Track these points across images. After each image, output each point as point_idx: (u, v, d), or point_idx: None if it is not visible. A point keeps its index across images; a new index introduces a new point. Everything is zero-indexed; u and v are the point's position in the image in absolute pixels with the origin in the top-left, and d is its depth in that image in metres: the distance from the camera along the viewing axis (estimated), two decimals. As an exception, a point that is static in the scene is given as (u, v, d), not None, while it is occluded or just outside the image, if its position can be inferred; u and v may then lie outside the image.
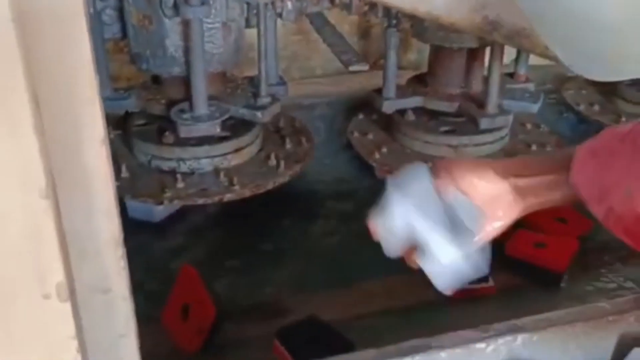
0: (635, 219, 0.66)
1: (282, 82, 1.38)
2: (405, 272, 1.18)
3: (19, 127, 0.48)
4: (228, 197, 1.24)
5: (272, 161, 1.32)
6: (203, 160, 1.27)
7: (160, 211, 1.28)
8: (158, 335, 1.03)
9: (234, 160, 1.30)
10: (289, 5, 1.29)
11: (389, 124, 1.51)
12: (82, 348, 0.57)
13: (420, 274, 1.18)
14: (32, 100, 0.49)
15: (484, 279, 1.16)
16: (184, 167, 1.27)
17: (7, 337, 0.54)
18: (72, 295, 0.55)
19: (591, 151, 0.71)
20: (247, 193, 1.25)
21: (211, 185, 1.25)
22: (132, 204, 1.25)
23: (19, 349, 0.55)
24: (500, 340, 0.82)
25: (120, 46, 1.47)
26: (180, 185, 1.23)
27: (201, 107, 1.24)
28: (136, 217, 1.26)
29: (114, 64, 1.48)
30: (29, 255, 0.52)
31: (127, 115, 1.34)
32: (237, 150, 1.30)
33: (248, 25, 1.29)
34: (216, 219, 1.31)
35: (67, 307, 0.54)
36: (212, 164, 1.28)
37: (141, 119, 1.34)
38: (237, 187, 1.24)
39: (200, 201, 1.23)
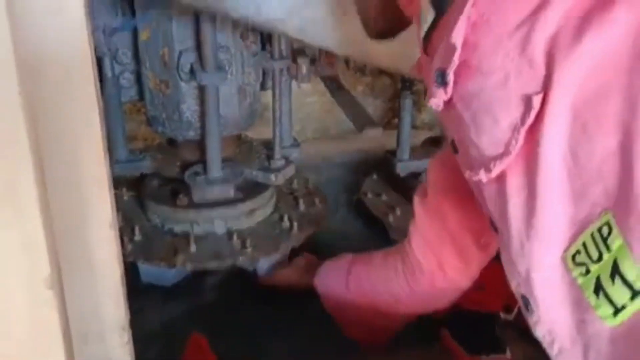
0: None
1: (296, 144, 1.39)
2: (419, 343, 1.17)
3: (25, 216, 0.48)
4: (241, 260, 1.22)
5: (286, 223, 1.32)
6: (216, 222, 1.27)
7: (172, 275, 1.27)
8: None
9: (247, 223, 1.29)
10: (304, 68, 1.30)
11: (403, 185, 1.50)
12: None
13: (433, 346, 1.16)
14: (39, 188, 0.48)
15: (499, 350, 1.13)
16: (197, 230, 1.26)
17: None
18: (75, 383, 0.54)
19: None
20: (260, 256, 1.24)
21: (224, 248, 1.24)
22: (144, 268, 1.24)
23: None
24: None
25: (138, 107, 1.49)
26: (192, 249, 1.22)
27: (215, 170, 1.24)
28: (149, 280, 1.25)
29: (131, 123, 1.50)
30: (32, 342, 0.51)
31: (142, 176, 1.34)
32: (250, 213, 1.30)
33: (263, 88, 1.30)
34: (225, 283, 1.29)
35: (69, 396, 0.53)
36: (225, 227, 1.27)
37: (155, 180, 1.34)
38: (249, 250, 1.23)
39: (213, 265, 1.22)
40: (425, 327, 1.18)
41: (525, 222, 0.60)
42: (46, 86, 0.51)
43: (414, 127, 1.49)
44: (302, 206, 1.38)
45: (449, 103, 0.64)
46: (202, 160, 1.26)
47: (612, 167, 0.53)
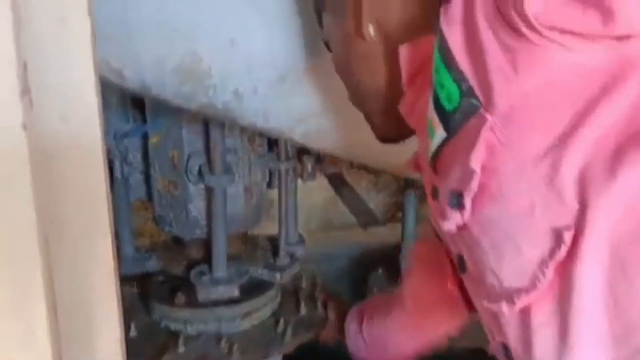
0: None
1: (301, 241, 1.39)
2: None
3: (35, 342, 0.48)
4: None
5: (281, 327, 1.28)
6: (209, 323, 1.24)
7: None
8: None
9: (242, 325, 1.26)
10: (309, 167, 1.32)
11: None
12: None
13: None
14: (49, 310, 0.49)
15: None
16: (190, 330, 1.24)
17: None
18: None
19: None
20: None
21: (212, 351, 1.21)
22: None
23: None
24: None
25: (145, 204, 1.50)
26: (180, 349, 1.19)
27: (221, 270, 1.24)
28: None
29: (138, 219, 1.51)
30: None
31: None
32: (246, 315, 1.27)
33: (270, 186, 1.32)
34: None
35: None
36: (217, 328, 1.25)
37: (160, 276, 1.33)
38: (235, 356, 1.20)
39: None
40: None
41: (557, 357, 0.55)
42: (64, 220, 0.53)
43: (418, 221, 1.50)
44: (303, 309, 1.34)
45: (462, 227, 0.60)
46: (208, 259, 1.26)
47: None
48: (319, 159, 1.33)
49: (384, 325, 1.06)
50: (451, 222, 0.59)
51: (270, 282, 1.32)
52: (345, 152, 1.04)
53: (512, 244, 0.55)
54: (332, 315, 1.26)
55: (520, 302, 0.55)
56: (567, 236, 0.51)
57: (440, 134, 0.60)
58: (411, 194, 1.43)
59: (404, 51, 0.66)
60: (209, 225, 1.23)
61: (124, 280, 1.35)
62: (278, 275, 1.28)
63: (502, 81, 0.53)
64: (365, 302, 1.18)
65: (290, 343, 1.25)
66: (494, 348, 0.65)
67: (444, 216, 0.60)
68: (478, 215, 0.57)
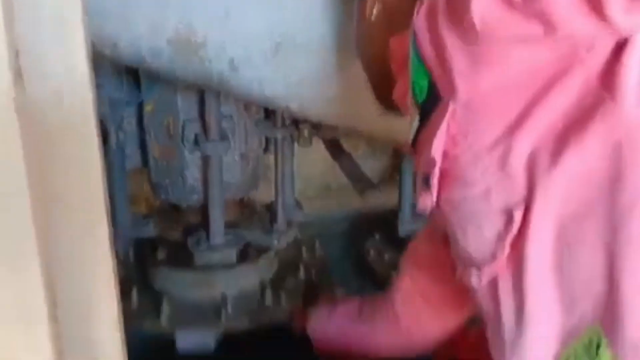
0: None
1: (298, 207, 1.40)
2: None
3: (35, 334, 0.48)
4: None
5: (278, 293, 1.30)
6: (207, 288, 1.27)
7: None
8: None
9: (240, 290, 1.28)
10: (306, 133, 1.32)
11: (406, 245, 1.50)
12: None
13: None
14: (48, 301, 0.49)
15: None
16: (188, 294, 1.26)
17: None
18: None
19: None
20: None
21: (209, 315, 1.24)
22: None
23: None
24: None
25: (141, 170, 1.50)
26: (179, 313, 1.22)
27: (218, 236, 1.25)
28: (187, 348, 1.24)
29: (134, 186, 1.51)
30: None
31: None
32: (243, 280, 1.29)
33: (266, 152, 1.32)
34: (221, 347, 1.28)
35: None
36: (215, 293, 1.27)
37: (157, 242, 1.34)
38: (233, 321, 1.23)
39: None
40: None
41: (516, 325, 0.61)
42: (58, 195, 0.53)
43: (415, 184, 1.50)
44: (301, 276, 1.36)
45: (436, 205, 0.65)
46: (205, 225, 1.27)
47: (599, 285, 0.55)
48: (316, 125, 1.33)
49: (362, 326, 1.06)
50: (425, 201, 0.65)
51: (267, 248, 1.33)
52: (341, 122, 1.03)
53: (475, 222, 0.62)
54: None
55: (486, 275, 0.62)
56: (518, 215, 0.57)
57: (416, 121, 0.67)
58: (408, 159, 1.43)
59: (393, 43, 0.72)
60: (206, 192, 1.23)
61: (122, 245, 1.37)
62: (275, 241, 1.30)
63: (461, 76, 0.59)
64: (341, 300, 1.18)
65: (287, 309, 1.27)
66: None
67: (419, 196, 0.66)
68: (444, 196, 0.63)
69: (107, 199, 0.56)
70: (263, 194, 1.42)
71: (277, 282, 1.33)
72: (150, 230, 1.29)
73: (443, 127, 0.61)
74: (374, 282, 1.48)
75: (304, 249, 1.45)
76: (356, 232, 1.64)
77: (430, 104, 0.63)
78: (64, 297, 0.54)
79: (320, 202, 1.69)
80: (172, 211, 1.34)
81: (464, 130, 0.60)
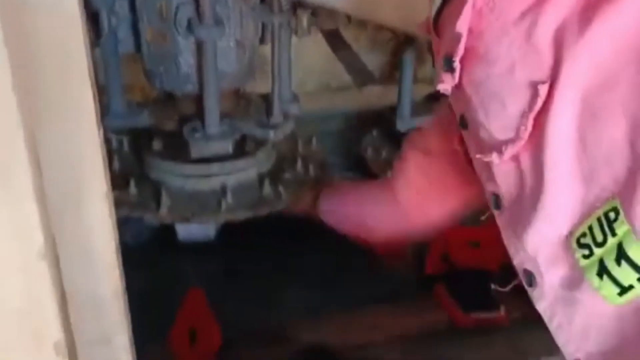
0: None
1: (295, 99, 1.37)
2: (413, 299, 1.19)
3: (18, 190, 0.47)
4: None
5: (275, 185, 1.30)
6: (204, 179, 1.28)
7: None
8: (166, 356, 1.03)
9: (236, 182, 1.28)
10: (304, 22, 1.27)
11: (404, 142, 1.49)
12: (81, 401, 0.57)
13: (429, 301, 1.18)
14: (32, 161, 0.48)
15: (495, 308, 1.15)
16: (185, 186, 1.27)
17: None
18: (71, 350, 0.55)
19: None
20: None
21: (206, 206, 1.25)
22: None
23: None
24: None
25: (136, 57, 1.46)
26: (177, 204, 1.23)
27: (213, 126, 1.23)
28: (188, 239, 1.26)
29: (129, 74, 1.48)
30: (27, 316, 0.51)
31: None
32: (239, 172, 1.29)
33: (262, 42, 1.27)
34: (220, 241, 1.30)
35: (66, 364, 0.54)
36: (211, 185, 1.28)
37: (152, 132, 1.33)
38: (229, 212, 1.23)
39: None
40: (420, 282, 1.21)
41: (535, 200, 0.60)
42: (38, 56, 0.50)
43: (415, 81, 1.47)
44: (299, 169, 1.36)
45: (458, 87, 0.64)
46: (200, 115, 1.25)
47: (620, 156, 0.54)
48: (315, 13, 1.28)
49: (369, 205, 1.06)
50: (446, 84, 0.64)
51: (264, 141, 1.31)
52: (343, 6, 0.98)
53: (498, 100, 0.60)
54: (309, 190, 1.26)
55: (508, 152, 0.61)
56: (543, 89, 0.56)
57: None
58: (409, 53, 1.39)
59: None
60: (201, 80, 1.20)
61: (118, 134, 1.36)
62: (271, 133, 1.28)
63: None
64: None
65: (284, 201, 1.27)
66: (487, 200, 0.70)
67: (440, 79, 0.64)
68: (467, 76, 0.62)
69: (95, 87, 0.54)
70: (260, 88, 1.39)
71: (274, 175, 1.33)
72: (145, 119, 1.27)
73: (469, 0, 0.59)
74: (369, 180, 1.48)
75: (300, 143, 1.44)
76: (353, 129, 1.62)
77: None
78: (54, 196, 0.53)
79: (318, 99, 1.66)
80: (167, 101, 1.31)
81: (491, 3, 0.58)
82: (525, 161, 0.61)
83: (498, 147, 0.62)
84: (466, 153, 0.76)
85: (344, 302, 1.14)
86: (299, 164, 1.36)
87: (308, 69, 1.70)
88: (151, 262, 1.20)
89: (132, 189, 1.24)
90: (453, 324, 1.15)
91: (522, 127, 0.59)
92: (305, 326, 1.11)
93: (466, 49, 0.61)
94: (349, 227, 1.09)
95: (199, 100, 1.24)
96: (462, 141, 0.77)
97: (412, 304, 1.19)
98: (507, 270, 1.20)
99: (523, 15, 0.57)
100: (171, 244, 1.28)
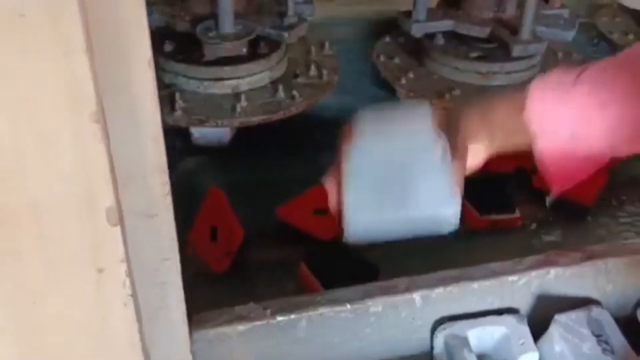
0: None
1: (309, 1, 1.33)
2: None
3: (71, 48, 0.46)
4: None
5: (289, 88, 1.28)
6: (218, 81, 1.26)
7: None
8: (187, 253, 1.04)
9: (250, 85, 1.27)
10: None
11: (417, 48, 1.47)
12: (130, 271, 0.57)
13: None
14: (83, 22, 0.46)
15: (510, 210, 1.16)
16: (199, 88, 1.25)
17: (55, 261, 0.54)
18: (121, 219, 0.55)
19: (543, 89, 0.67)
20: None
21: (221, 108, 1.23)
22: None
23: (69, 273, 0.55)
24: (533, 274, 0.82)
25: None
26: (190, 107, 1.21)
27: (227, 25, 1.20)
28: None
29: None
30: (80, 179, 0.51)
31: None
32: (254, 75, 1.27)
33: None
34: (235, 142, 1.29)
35: (117, 231, 0.54)
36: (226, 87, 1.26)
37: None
38: (244, 114, 1.22)
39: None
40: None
41: None
42: None
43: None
44: (312, 73, 1.34)
45: None
46: (214, 15, 1.21)
47: None
48: None
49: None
50: None
51: (278, 43, 1.29)
52: None
53: None
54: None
55: None
56: None
57: None
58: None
59: None
60: (213, -24, 1.16)
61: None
62: (286, 34, 1.25)
63: None
64: None
65: (300, 104, 1.26)
66: None
67: None
68: None
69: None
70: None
71: (288, 79, 1.31)
72: (156, 19, 1.24)
73: None
74: (382, 86, 1.46)
75: (313, 49, 1.41)
76: (365, 36, 1.59)
77: None
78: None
79: (329, 5, 1.62)
80: (178, 1, 1.27)
81: None
82: None
83: None
84: None
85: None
86: (312, 69, 1.34)
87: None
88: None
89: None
90: (469, 226, 1.16)
91: None
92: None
93: None
94: None
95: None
96: None
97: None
98: (523, 173, 1.23)
99: None
100: (185, 148, 1.27)
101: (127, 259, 0.56)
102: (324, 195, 1.12)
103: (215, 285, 1.04)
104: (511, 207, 1.17)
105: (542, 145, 0.67)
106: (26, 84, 0.47)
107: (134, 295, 0.57)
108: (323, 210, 1.11)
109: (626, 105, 0.64)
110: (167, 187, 0.60)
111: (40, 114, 0.48)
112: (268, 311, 0.77)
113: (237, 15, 1.23)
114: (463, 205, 1.15)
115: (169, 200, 0.61)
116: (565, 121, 0.66)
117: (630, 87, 0.64)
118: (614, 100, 0.64)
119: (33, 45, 0.45)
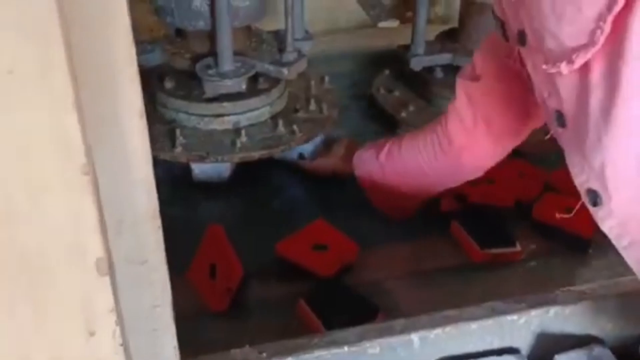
0: None
1: (308, 37, 1.35)
2: (430, 235, 1.19)
3: (60, 103, 0.46)
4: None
5: (289, 123, 1.29)
6: (218, 118, 1.27)
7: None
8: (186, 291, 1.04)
9: (250, 121, 1.27)
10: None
11: (416, 82, 1.48)
12: (120, 319, 0.57)
13: (444, 238, 1.19)
14: (72, 75, 0.47)
15: (510, 244, 1.15)
16: (198, 124, 1.26)
17: (45, 311, 0.54)
18: (111, 268, 0.55)
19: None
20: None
21: (220, 144, 1.24)
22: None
23: (58, 323, 0.54)
24: (533, 313, 0.81)
25: (144, -2, 1.43)
26: (190, 142, 1.22)
27: (227, 63, 1.21)
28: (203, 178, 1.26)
29: (136, 13, 1.45)
30: (69, 231, 0.51)
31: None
32: (253, 111, 1.28)
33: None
34: (235, 178, 1.29)
35: (107, 281, 0.54)
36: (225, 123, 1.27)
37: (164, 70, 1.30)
38: (243, 150, 1.22)
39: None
40: (436, 220, 1.21)
41: (606, 114, 0.58)
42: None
43: (428, 21, 1.44)
44: (312, 107, 1.34)
45: None
46: (213, 53, 1.23)
47: None
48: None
49: (414, 153, 1.07)
50: None
51: (277, 79, 1.30)
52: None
53: (573, 4, 0.57)
54: (341, 146, 1.26)
55: (579, 60, 0.58)
56: None
57: None
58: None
59: None
60: (213, 16, 1.17)
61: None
62: (285, 71, 1.26)
63: None
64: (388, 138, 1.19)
65: (300, 139, 1.26)
66: (548, 119, 0.68)
67: None
68: None
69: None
70: (268, 27, 1.36)
71: (288, 114, 1.32)
72: (157, 57, 1.25)
73: None
74: (382, 120, 1.47)
75: (313, 83, 1.42)
76: (365, 68, 1.60)
77: None
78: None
79: (327, 39, 1.63)
80: (178, 39, 1.29)
81: None
82: (597, 71, 0.58)
83: (568, 55, 0.58)
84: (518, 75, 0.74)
85: (360, 239, 1.14)
86: (312, 104, 1.35)
87: (317, 10, 1.67)
88: (167, 201, 1.20)
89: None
90: (469, 260, 1.16)
91: (598, 31, 0.55)
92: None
93: None
94: (388, 183, 1.11)
95: (211, 37, 1.22)
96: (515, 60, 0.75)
97: (426, 241, 1.19)
98: (522, 207, 1.22)
99: None
100: (185, 184, 1.28)
101: (118, 308, 0.56)
102: (323, 230, 1.14)
103: (215, 323, 1.03)
104: (512, 241, 1.16)
105: None
106: (15, 137, 0.47)
107: (124, 344, 0.57)
108: (322, 246, 1.12)
109: None
110: (159, 234, 0.60)
111: (30, 166, 0.48)
112: (264, 354, 0.76)
113: (237, 53, 1.24)
114: (464, 240, 1.16)
115: (160, 245, 0.61)
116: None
117: None
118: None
119: (21, 101, 0.46)
